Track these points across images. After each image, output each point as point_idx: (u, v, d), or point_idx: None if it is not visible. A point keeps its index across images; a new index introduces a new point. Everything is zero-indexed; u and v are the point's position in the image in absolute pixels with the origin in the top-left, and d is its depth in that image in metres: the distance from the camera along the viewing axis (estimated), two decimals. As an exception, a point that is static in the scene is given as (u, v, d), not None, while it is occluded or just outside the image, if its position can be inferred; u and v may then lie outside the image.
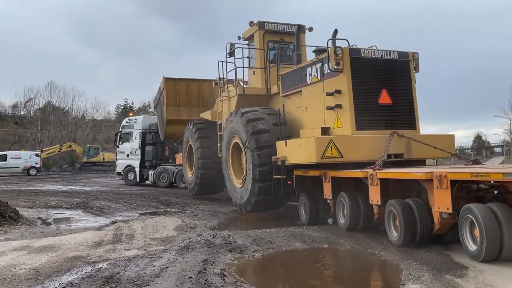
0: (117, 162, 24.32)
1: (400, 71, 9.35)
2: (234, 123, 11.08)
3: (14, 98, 61.95)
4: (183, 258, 6.07)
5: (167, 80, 17.27)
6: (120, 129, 24.54)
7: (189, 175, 15.45)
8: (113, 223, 9.19)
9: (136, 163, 23.06)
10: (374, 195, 7.52)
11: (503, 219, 5.51)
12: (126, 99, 77.11)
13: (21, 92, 73.84)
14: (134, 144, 23.34)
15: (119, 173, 24.37)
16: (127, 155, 23.52)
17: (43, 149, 38.75)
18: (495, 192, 6.45)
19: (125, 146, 23.71)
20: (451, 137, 9.69)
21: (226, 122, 11.77)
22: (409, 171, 7.03)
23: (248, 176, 10.35)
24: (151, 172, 22.04)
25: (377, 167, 7.72)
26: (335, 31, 11.33)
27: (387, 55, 9.23)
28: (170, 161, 22.89)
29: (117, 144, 24.30)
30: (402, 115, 9.28)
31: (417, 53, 9.56)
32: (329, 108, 9.21)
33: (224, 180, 12.22)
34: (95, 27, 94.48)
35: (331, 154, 8.43)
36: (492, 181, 6.05)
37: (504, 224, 5.46)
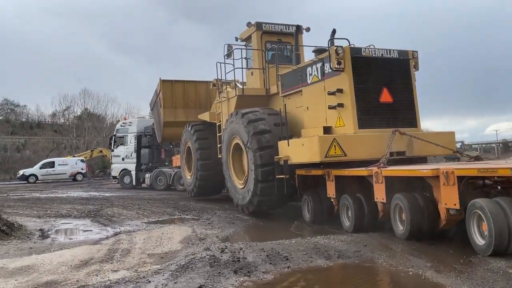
0: (112, 166, 24.19)
1: (400, 70, 9.41)
2: (234, 124, 11.07)
3: (51, 106, 62.46)
4: (175, 283, 5.17)
5: (163, 82, 17.22)
6: (115, 133, 24.41)
7: (188, 177, 15.40)
8: (116, 234, 8.43)
9: (132, 167, 22.94)
10: (379, 193, 7.55)
11: (510, 213, 5.57)
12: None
13: (56, 100, 74.49)
14: (129, 147, 23.23)
15: (114, 177, 24.24)
16: (123, 159, 23.39)
17: (75, 155, 38.39)
18: (499, 187, 6.53)
19: (120, 150, 23.59)
20: (452, 134, 9.77)
21: (226, 123, 11.75)
22: (415, 168, 7.07)
23: (250, 176, 10.34)
24: (147, 175, 21.95)
25: (382, 165, 7.76)
26: (333, 31, 11.39)
27: (387, 54, 9.29)
28: (167, 163, 22.83)
29: (112, 148, 24.15)
30: (403, 113, 9.33)
31: (417, 52, 9.64)
32: (331, 107, 9.24)
33: (225, 181, 12.20)
34: (127, 34, 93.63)
35: (335, 153, 8.45)
36: (495, 177, 6.12)
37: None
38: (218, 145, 13.12)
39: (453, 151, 9.34)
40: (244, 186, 10.80)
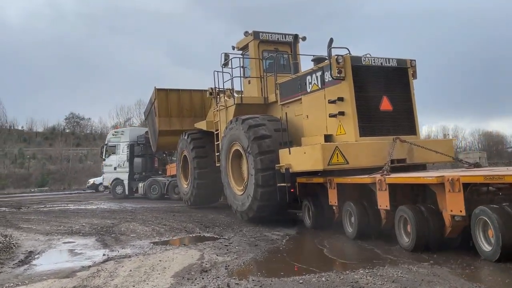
0: (104, 175, 23.92)
1: (400, 78, 9.55)
2: (234, 130, 11.09)
3: (108, 118, 63.90)
4: None
5: (158, 90, 17.20)
6: (106, 142, 24.20)
7: (185, 185, 15.34)
8: (104, 261, 6.91)
9: (124, 176, 22.74)
10: (383, 200, 7.60)
11: None
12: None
13: (114, 112, 75.20)
14: (121, 156, 23.04)
15: (106, 187, 23.99)
16: (115, 168, 23.18)
17: None
18: (500, 193, 6.62)
19: (112, 159, 23.37)
20: (450, 141, 9.93)
21: (225, 130, 11.76)
22: (419, 176, 7.15)
23: (250, 181, 10.35)
24: (140, 184, 21.79)
25: (385, 172, 7.83)
26: (331, 40, 11.52)
27: (386, 63, 9.42)
28: (160, 172, 22.68)
29: (103, 157, 23.92)
30: (403, 121, 9.46)
31: (415, 60, 9.79)
32: (331, 116, 9.31)
33: (222, 190, 12.18)
34: (189, 48, 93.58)
35: (337, 160, 8.51)
36: (499, 184, 6.22)
37: None
38: (216, 154, 13.11)
39: (453, 158, 9.47)
40: (244, 192, 10.80)
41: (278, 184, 9.67)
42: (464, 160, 9.45)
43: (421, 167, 9.60)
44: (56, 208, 17.54)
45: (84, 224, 11.21)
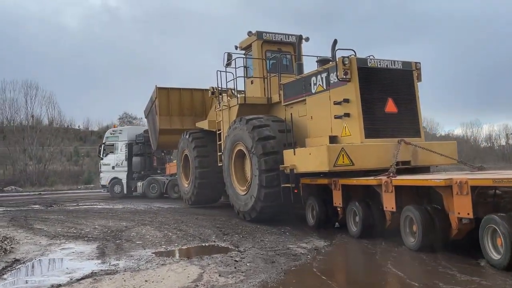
0: (102, 174, 23.76)
1: (404, 81, 9.59)
2: (238, 130, 11.09)
3: None
4: None
5: (159, 89, 17.16)
6: (104, 141, 24.08)
7: (185, 185, 15.32)
8: (82, 278, 5.94)
9: (122, 175, 22.63)
10: (389, 202, 7.64)
11: None
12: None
13: None
14: (120, 155, 22.91)
15: (103, 186, 23.85)
16: (113, 167, 23.03)
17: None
18: (507, 198, 6.66)
19: (110, 158, 23.21)
20: (454, 144, 9.97)
21: (228, 130, 11.76)
22: (427, 178, 7.18)
23: (254, 182, 10.36)
24: (139, 183, 21.70)
25: (391, 174, 7.86)
26: (335, 41, 11.56)
27: (391, 65, 9.46)
28: (159, 171, 22.60)
29: (101, 156, 23.80)
30: (407, 123, 9.50)
31: (419, 63, 9.83)
32: (337, 117, 9.34)
33: (223, 189, 12.17)
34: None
35: (343, 162, 8.54)
36: (506, 188, 6.24)
37: None
38: (219, 153, 13.12)
39: (457, 161, 9.52)
40: (247, 193, 10.80)
41: (282, 185, 9.69)
42: (468, 163, 9.49)
43: (425, 169, 9.64)
44: (83, 207, 17.04)
45: (97, 226, 10.59)
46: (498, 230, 5.80)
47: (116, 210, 15.08)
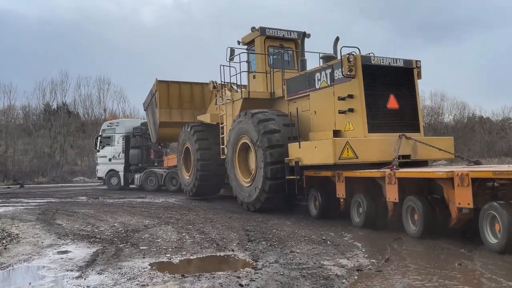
0: (98, 167, 23.89)
1: (406, 78, 9.99)
2: (243, 124, 11.41)
3: None
4: None
5: (159, 82, 17.37)
6: (100, 133, 24.19)
7: (186, 177, 15.60)
8: None
9: (119, 167, 22.80)
10: (392, 193, 8.03)
11: None
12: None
13: None
14: (117, 148, 23.06)
15: (100, 178, 23.98)
16: (110, 159, 23.18)
17: None
18: (504, 190, 7.10)
19: (107, 150, 23.35)
20: (450, 139, 10.42)
21: (233, 124, 12.07)
22: (430, 170, 7.60)
23: (259, 174, 10.70)
24: (137, 175, 21.88)
25: (394, 167, 8.27)
26: (337, 38, 11.95)
27: (393, 63, 9.85)
28: (156, 164, 22.80)
29: (97, 148, 23.91)
30: (408, 118, 9.92)
31: (420, 61, 10.24)
32: (341, 112, 9.71)
33: (223, 182, 12.49)
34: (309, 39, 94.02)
35: (348, 155, 8.92)
36: (504, 180, 6.67)
37: None
38: (221, 146, 13.43)
39: (454, 155, 9.97)
40: (251, 184, 11.14)
41: (287, 177, 10.04)
42: (465, 157, 9.95)
43: (423, 163, 10.07)
44: (124, 200, 16.17)
45: (116, 224, 9.84)
46: (497, 216, 6.24)
47: (152, 205, 14.05)
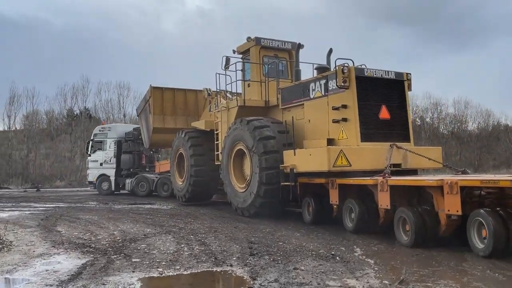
0: (89, 171, 23.88)
1: (397, 90, 10.39)
2: (239, 131, 11.68)
3: None
4: None
5: (154, 88, 17.60)
6: (92, 138, 24.22)
7: (179, 182, 15.78)
8: None
9: (111, 172, 22.83)
10: (384, 201, 8.34)
11: (508, 222, 6.47)
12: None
13: None
14: (108, 152, 23.09)
15: (90, 182, 23.96)
16: (101, 164, 23.20)
17: None
18: (490, 198, 7.48)
19: (98, 155, 23.36)
20: (439, 149, 10.83)
21: (228, 130, 12.33)
22: (421, 179, 7.95)
23: (254, 179, 10.96)
24: (128, 180, 21.94)
25: (386, 175, 8.61)
26: (330, 50, 12.34)
27: (385, 75, 10.24)
28: (147, 169, 22.90)
29: (89, 152, 23.92)
30: (399, 129, 10.30)
31: (410, 74, 10.65)
32: (334, 121, 10.05)
33: (223, 187, 12.71)
34: (326, 45, 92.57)
35: (341, 163, 9.25)
36: (490, 189, 7.05)
37: (510, 225, 6.43)
38: (216, 152, 13.67)
39: (442, 164, 10.37)
40: (246, 190, 11.40)
41: (282, 183, 10.32)
42: (452, 167, 10.36)
43: (413, 172, 10.45)
44: (134, 206, 15.89)
45: (115, 232, 9.54)
46: (484, 222, 6.59)
47: (158, 212, 13.65)
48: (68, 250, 7.80)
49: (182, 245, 8.01)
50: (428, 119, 48.43)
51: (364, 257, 6.96)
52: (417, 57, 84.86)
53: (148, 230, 9.83)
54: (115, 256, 7.25)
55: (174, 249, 7.67)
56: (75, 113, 43.91)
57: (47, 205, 16.35)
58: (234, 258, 6.93)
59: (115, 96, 44.52)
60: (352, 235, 8.83)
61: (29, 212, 13.91)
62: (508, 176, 7.23)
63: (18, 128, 41.71)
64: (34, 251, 7.71)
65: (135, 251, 7.60)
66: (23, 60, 66.47)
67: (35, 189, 28.03)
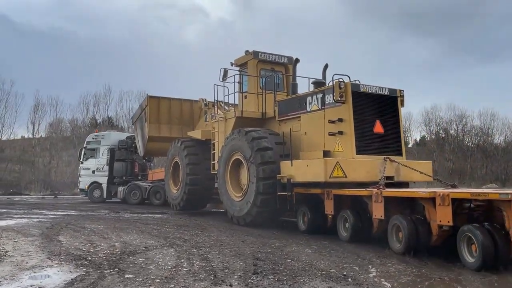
0: (81, 178, 23.90)
1: (390, 105, 10.82)
2: (236, 141, 11.98)
3: None
4: None
5: (150, 98, 17.91)
6: (85, 145, 24.29)
7: (174, 191, 15.97)
8: None
9: (103, 180, 22.90)
10: (378, 211, 8.70)
11: (496, 237, 6.80)
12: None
13: None
14: (101, 160, 23.19)
15: (82, 190, 23.96)
16: (93, 171, 23.27)
17: None
18: (479, 210, 7.88)
19: (91, 162, 23.45)
20: (429, 163, 11.27)
21: (226, 140, 12.62)
22: (414, 191, 8.34)
23: (251, 189, 11.24)
24: (120, 188, 22.01)
25: (381, 186, 8.97)
26: (326, 66, 12.80)
27: (380, 91, 10.68)
28: (140, 177, 23.00)
29: (81, 160, 23.95)
30: (392, 143, 10.71)
31: (403, 90, 11.11)
32: (331, 134, 10.42)
33: (219, 195, 12.95)
34: (349, 59, 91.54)
35: (338, 174, 9.60)
36: (475, 201, 7.42)
37: (498, 241, 6.76)
38: (213, 162, 13.94)
39: (433, 178, 10.79)
40: (242, 199, 11.66)
41: (279, 193, 10.62)
42: (443, 181, 10.79)
43: (405, 184, 10.85)
44: (144, 215, 15.45)
45: (116, 244, 9.08)
46: (473, 238, 6.94)
47: (167, 222, 13.09)
48: (63, 262, 7.37)
49: (182, 260, 7.49)
50: (452, 131, 47.97)
51: (378, 278, 6.41)
52: (442, 68, 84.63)
53: (151, 242, 9.38)
54: (108, 270, 6.75)
55: (172, 264, 7.15)
56: (97, 121, 44.83)
57: (58, 213, 16.17)
58: (235, 277, 6.36)
59: (136, 104, 45.42)
60: (368, 253, 8.12)
61: (37, 219, 13.70)
62: (497, 190, 7.64)
63: (42, 136, 43.00)
64: (27, 263, 7.26)
65: (131, 265, 7.11)
66: (48, 69, 69.50)
67: (53, 196, 28.33)
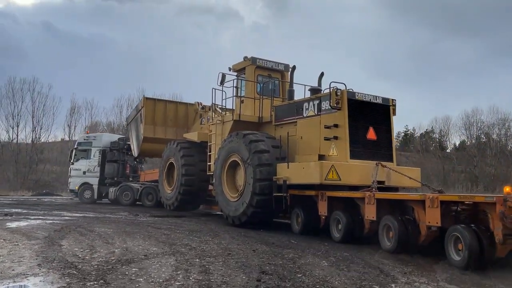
0: (71, 179, 23.88)
1: (383, 114, 11.36)
2: (234, 143, 12.37)
3: None
4: None
5: (147, 99, 18.22)
6: (76, 146, 24.37)
7: (168, 191, 16.26)
8: None
9: (94, 181, 22.96)
10: (370, 212, 9.17)
11: (482, 237, 7.30)
12: (407, 125, 61.61)
13: None
14: (92, 161, 23.25)
15: (72, 191, 23.97)
16: (84, 172, 23.30)
17: None
18: (464, 213, 8.39)
19: (81, 163, 23.46)
20: (418, 170, 11.82)
21: (223, 143, 12.99)
22: (406, 194, 8.83)
23: (247, 189, 11.61)
24: (111, 189, 22.09)
25: (373, 189, 9.46)
26: (322, 74, 13.32)
27: (373, 100, 11.21)
28: (131, 179, 23.14)
29: (72, 161, 23.98)
30: (383, 149, 11.23)
31: (395, 99, 11.67)
32: (326, 139, 10.89)
33: (216, 196, 13.28)
34: (387, 61, 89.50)
35: (332, 177, 10.06)
36: (462, 204, 7.93)
37: (484, 241, 7.25)
38: (209, 163, 14.29)
39: (422, 184, 11.33)
40: (238, 199, 12.02)
41: (274, 194, 11.03)
42: (431, 186, 11.33)
43: (394, 189, 11.35)
44: (159, 219, 14.71)
45: (115, 250, 8.43)
46: (460, 238, 7.43)
47: (180, 227, 12.21)
48: (51, 270, 6.78)
49: (179, 272, 6.69)
50: (494, 136, 46.53)
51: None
52: (484, 69, 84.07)
53: (154, 249, 8.67)
54: (92, 283, 6.07)
55: (166, 277, 6.38)
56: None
57: (75, 215, 15.60)
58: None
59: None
60: (393, 267, 7.24)
61: (51, 221, 13.11)
62: (483, 194, 8.17)
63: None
64: (13, 270, 6.71)
65: (119, 277, 6.41)
66: (85, 73, 72.64)
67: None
